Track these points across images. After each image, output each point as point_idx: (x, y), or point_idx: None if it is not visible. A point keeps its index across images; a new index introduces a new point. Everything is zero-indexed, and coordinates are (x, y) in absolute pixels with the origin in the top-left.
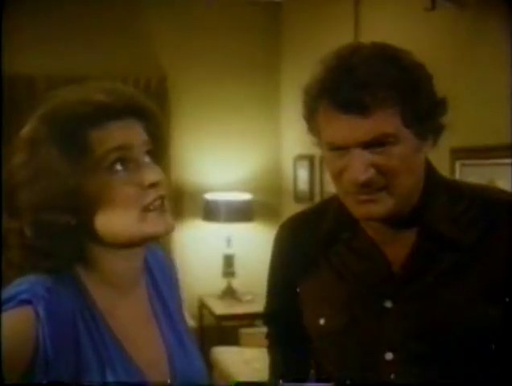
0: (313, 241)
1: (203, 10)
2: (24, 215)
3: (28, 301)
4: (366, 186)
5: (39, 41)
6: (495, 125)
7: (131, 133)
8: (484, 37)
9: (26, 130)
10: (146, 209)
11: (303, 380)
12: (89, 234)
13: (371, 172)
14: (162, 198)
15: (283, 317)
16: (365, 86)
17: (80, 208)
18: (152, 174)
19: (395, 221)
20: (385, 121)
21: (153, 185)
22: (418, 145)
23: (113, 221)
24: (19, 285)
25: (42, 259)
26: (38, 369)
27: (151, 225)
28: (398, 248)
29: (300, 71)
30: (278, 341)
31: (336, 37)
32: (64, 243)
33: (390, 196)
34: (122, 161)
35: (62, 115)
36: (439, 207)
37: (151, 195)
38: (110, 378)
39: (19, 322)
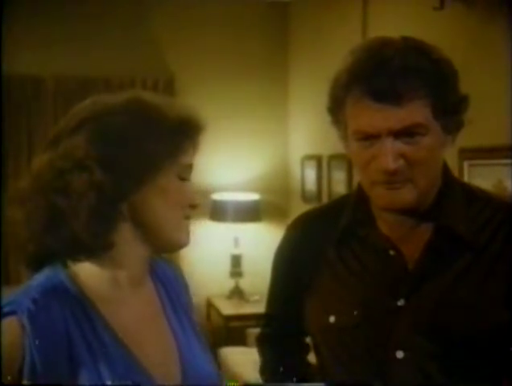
0: (327, 237)
1: (210, 9)
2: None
3: (13, 313)
4: (394, 175)
5: (46, 41)
6: (503, 125)
7: (194, 153)
8: (493, 36)
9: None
10: (185, 218)
11: (294, 381)
12: (135, 216)
13: (401, 161)
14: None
15: (285, 317)
16: (399, 76)
17: (143, 182)
18: (198, 198)
19: (413, 216)
20: (417, 111)
21: (194, 207)
22: (443, 139)
23: (161, 210)
24: (11, 296)
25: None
26: (26, 377)
27: (185, 234)
28: (412, 246)
29: (308, 71)
30: (274, 342)
31: (344, 37)
32: (104, 221)
33: (414, 187)
34: (185, 175)
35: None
36: (455, 207)
37: (188, 211)
38: (106, 376)
39: (4, 334)
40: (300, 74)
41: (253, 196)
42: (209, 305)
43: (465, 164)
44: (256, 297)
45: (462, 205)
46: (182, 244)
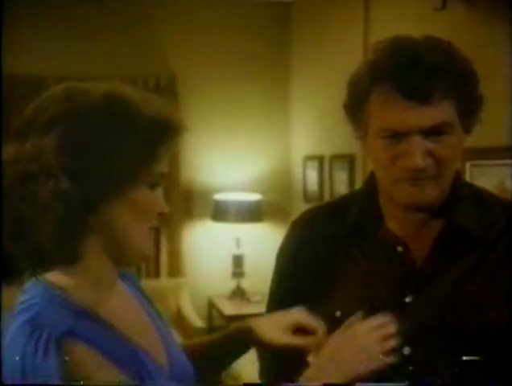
0: (334, 233)
1: (212, 9)
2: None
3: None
4: (421, 172)
5: (48, 41)
6: (505, 125)
7: (166, 162)
8: (494, 36)
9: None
10: (150, 229)
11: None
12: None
13: (429, 160)
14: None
15: None
16: (430, 75)
17: (114, 192)
18: (166, 206)
19: (424, 213)
20: (445, 110)
21: (161, 214)
22: (462, 138)
23: (129, 223)
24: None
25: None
26: None
27: (150, 245)
28: (421, 243)
29: (310, 71)
30: None
31: (345, 37)
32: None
33: (437, 185)
34: (157, 183)
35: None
36: (465, 205)
37: (155, 221)
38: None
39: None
40: (302, 74)
41: (255, 196)
42: (211, 305)
43: (467, 164)
44: (258, 298)
45: (471, 204)
46: (146, 256)
